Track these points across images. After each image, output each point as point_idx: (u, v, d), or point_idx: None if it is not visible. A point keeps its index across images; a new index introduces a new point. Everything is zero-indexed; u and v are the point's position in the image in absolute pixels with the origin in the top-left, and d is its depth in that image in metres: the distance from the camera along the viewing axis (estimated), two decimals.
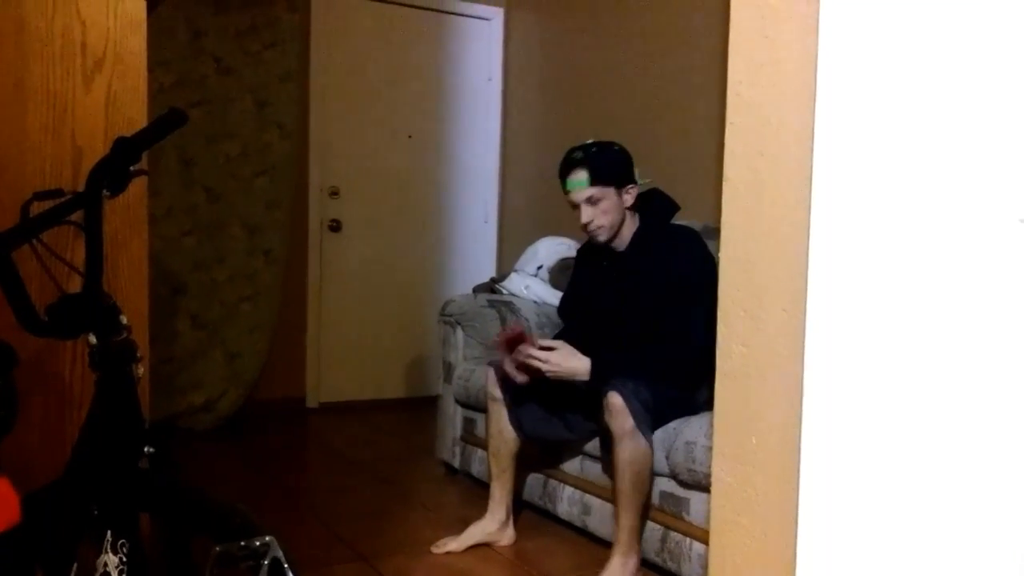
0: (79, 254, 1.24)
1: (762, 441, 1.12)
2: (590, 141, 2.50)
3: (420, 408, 4.47)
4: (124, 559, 1.19)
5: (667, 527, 2.34)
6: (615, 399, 2.25)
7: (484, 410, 2.76)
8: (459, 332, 3.32)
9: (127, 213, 1.72)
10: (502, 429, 2.61)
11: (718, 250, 1.19)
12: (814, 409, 1.04)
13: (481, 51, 4.94)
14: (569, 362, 2.35)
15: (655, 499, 2.37)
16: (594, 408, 2.37)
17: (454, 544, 2.55)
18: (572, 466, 2.73)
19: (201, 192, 4.17)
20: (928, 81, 0.99)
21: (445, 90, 4.88)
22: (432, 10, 4.79)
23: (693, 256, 2.42)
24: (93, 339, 1.21)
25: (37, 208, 1.25)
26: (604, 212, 2.44)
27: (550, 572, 2.45)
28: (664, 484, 2.35)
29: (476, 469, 3.20)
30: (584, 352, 2.36)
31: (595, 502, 2.61)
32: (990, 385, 1.00)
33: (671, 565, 2.32)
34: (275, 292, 4.34)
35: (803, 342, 1.04)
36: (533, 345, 2.39)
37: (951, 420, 1.01)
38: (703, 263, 2.36)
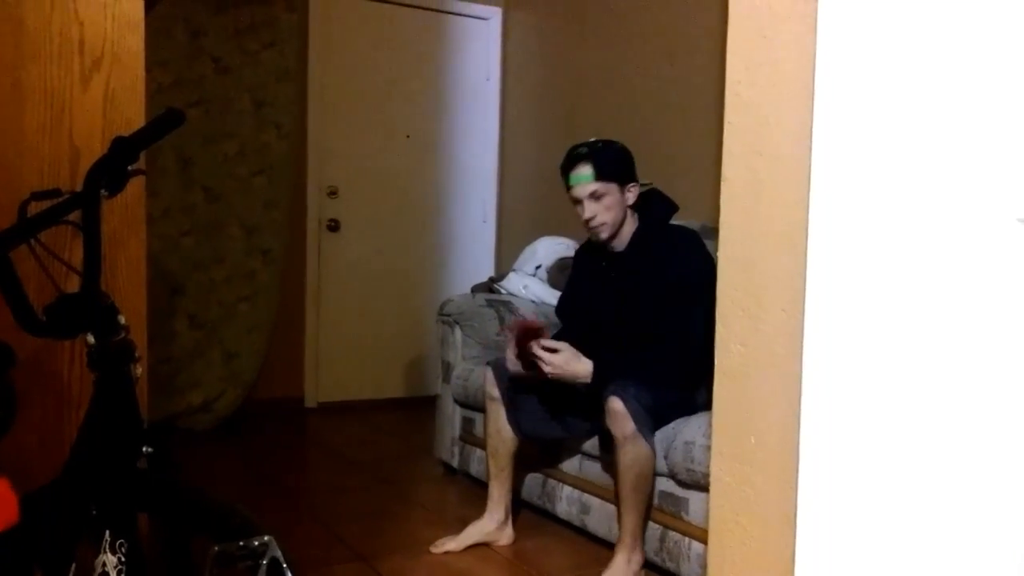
0: (77, 254, 1.24)
1: (761, 441, 1.12)
2: (593, 139, 2.50)
3: (419, 408, 4.47)
4: (123, 559, 1.19)
5: (666, 527, 2.34)
6: (616, 404, 2.25)
7: (483, 410, 2.76)
8: (457, 332, 3.32)
9: (125, 213, 1.71)
10: (500, 429, 2.60)
11: (716, 250, 1.19)
12: (813, 408, 1.04)
13: (479, 51, 4.94)
14: (571, 365, 2.35)
15: (654, 499, 2.38)
16: (594, 410, 2.37)
17: (453, 544, 2.55)
18: (571, 465, 2.73)
19: (199, 192, 4.16)
20: (926, 80, 0.99)
21: (443, 90, 4.88)
22: (430, 10, 4.79)
23: (692, 256, 2.42)
24: (91, 339, 1.21)
25: (35, 208, 1.25)
26: (607, 209, 2.44)
27: (549, 572, 2.45)
28: (663, 484, 2.35)
29: (475, 469, 3.20)
30: (583, 352, 2.36)
31: (594, 501, 2.61)
32: (989, 384, 1.00)
33: (670, 565, 2.32)
34: (273, 292, 4.33)
35: (802, 341, 1.04)
36: (537, 345, 2.38)
37: (950, 419, 1.01)
38: (702, 263, 2.36)
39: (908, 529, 1.03)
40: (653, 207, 2.55)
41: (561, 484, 2.75)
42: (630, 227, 2.52)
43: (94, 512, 1.21)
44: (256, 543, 1.07)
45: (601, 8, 4.20)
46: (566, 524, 2.74)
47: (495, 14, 4.94)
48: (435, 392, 3.55)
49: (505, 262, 4.71)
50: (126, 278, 1.72)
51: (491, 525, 2.61)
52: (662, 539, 2.34)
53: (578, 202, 2.46)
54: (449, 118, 4.91)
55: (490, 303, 3.39)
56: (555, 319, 2.86)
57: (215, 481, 3.21)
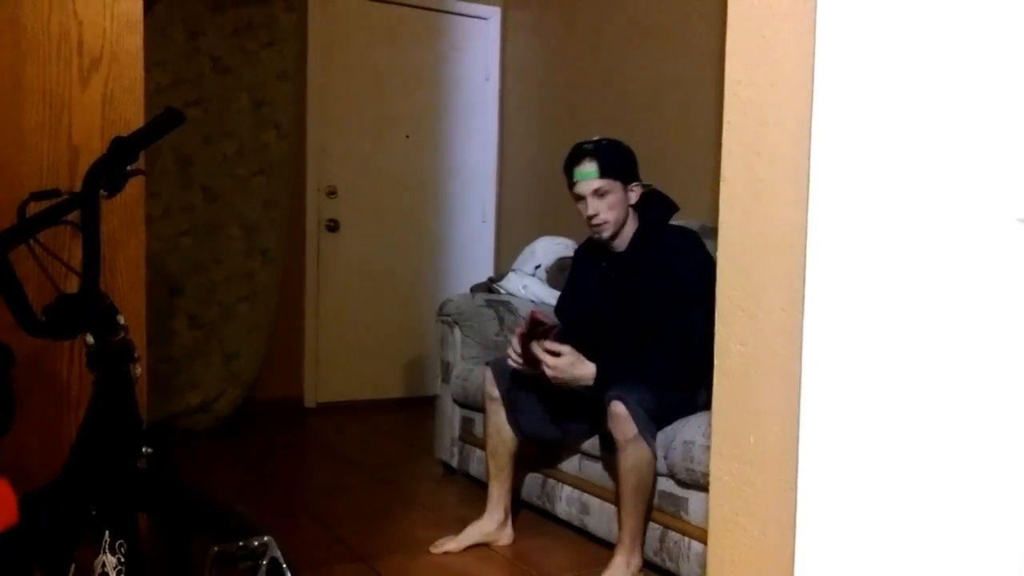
0: (76, 254, 1.24)
1: (760, 440, 1.12)
2: (598, 137, 2.50)
3: (418, 408, 4.47)
4: (122, 559, 1.19)
5: (665, 526, 2.34)
6: (619, 407, 2.25)
7: (482, 410, 2.76)
8: (457, 332, 3.32)
9: (124, 213, 1.71)
10: (500, 429, 2.60)
11: (716, 250, 1.19)
12: (812, 408, 1.04)
13: (478, 50, 4.94)
14: (574, 369, 2.34)
15: (654, 499, 2.37)
16: (595, 411, 2.37)
17: (452, 544, 2.55)
18: (570, 465, 2.73)
19: (198, 192, 4.16)
20: (925, 80, 0.99)
21: (443, 89, 4.88)
22: (429, 9, 4.79)
23: (693, 257, 2.41)
24: (91, 339, 1.21)
25: (34, 208, 1.25)
26: (610, 207, 2.44)
27: (549, 572, 2.45)
28: (662, 483, 2.35)
29: (474, 469, 3.20)
30: (584, 353, 2.36)
31: (594, 502, 2.61)
32: (988, 384, 1.00)
33: (669, 564, 2.32)
34: (273, 292, 4.33)
35: (801, 341, 1.04)
36: (540, 346, 2.37)
37: (950, 419, 1.01)
38: (703, 264, 2.36)
39: (908, 528, 1.03)
40: (653, 207, 2.55)
41: (561, 484, 2.75)
42: (631, 227, 2.52)
43: (94, 512, 1.21)
44: (255, 543, 1.07)
45: (600, 8, 4.20)
46: (566, 524, 2.74)
47: (494, 14, 4.94)
48: (434, 392, 3.55)
49: (504, 262, 4.71)
50: (125, 278, 1.72)
51: (491, 525, 2.61)
52: (662, 539, 2.34)
53: (581, 199, 2.46)
54: (448, 118, 4.91)
55: (489, 303, 3.39)
56: (554, 319, 2.85)
57: (214, 481, 3.21)
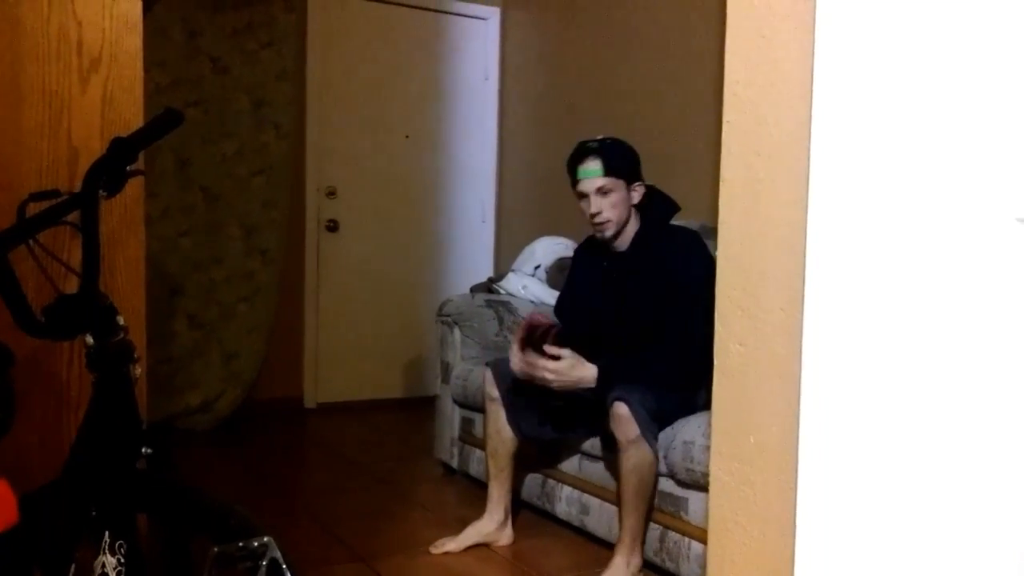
0: (76, 255, 1.24)
1: (760, 440, 1.12)
2: (602, 136, 2.50)
3: (418, 408, 4.47)
4: (122, 560, 1.19)
5: (665, 526, 2.34)
6: (621, 409, 2.25)
7: (482, 410, 2.76)
8: (457, 332, 3.32)
9: (124, 213, 1.71)
10: (500, 429, 2.60)
11: (716, 250, 1.19)
12: (812, 408, 1.04)
13: (478, 50, 4.94)
14: (575, 371, 2.34)
15: (654, 499, 2.37)
16: (595, 412, 2.37)
17: (452, 544, 2.55)
18: (570, 466, 2.73)
19: (198, 192, 4.16)
20: (925, 80, 0.99)
21: (442, 90, 4.88)
22: (429, 10, 4.79)
23: (693, 257, 2.41)
24: (90, 340, 1.21)
25: (33, 209, 1.25)
26: (613, 205, 2.44)
27: (548, 572, 2.45)
28: (662, 483, 2.35)
29: (474, 469, 3.20)
30: (583, 353, 2.36)
31: (594, 502, 2.61)
32: (988, 384, 1.00)
33: (669, 565, 2.32)
34: (272, 292, 4.33)
35: (801, 341, 1.04)
36: (539, 349, 2.36)
37: (949, 419, 1.01)
38: (703, 264, 2.36)
39: (908, 528, 1.03)
40: (655, 207, 2.55)
41: (561, 484, 2.75)
42: (633, 227, 2.52)
43: (93, 513, 1.21)
44: (255, 544, 1.07)
45: (600, 8, 4.20)
46: (566, 524, 2.74)
47: (493, 14, 4.94)
48: (434, 392, 3.55)
49: (504, 262, 4.71)
50: (125, 279, 1.72)
51: (491, 525, 2.61)
52: (662, 539, 2.34)
53: (584, 197, 2.46)
54: (448, 118, 4.91)
55: (489, 303, 3.39)
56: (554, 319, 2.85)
57: (214, 481, 3.21)
